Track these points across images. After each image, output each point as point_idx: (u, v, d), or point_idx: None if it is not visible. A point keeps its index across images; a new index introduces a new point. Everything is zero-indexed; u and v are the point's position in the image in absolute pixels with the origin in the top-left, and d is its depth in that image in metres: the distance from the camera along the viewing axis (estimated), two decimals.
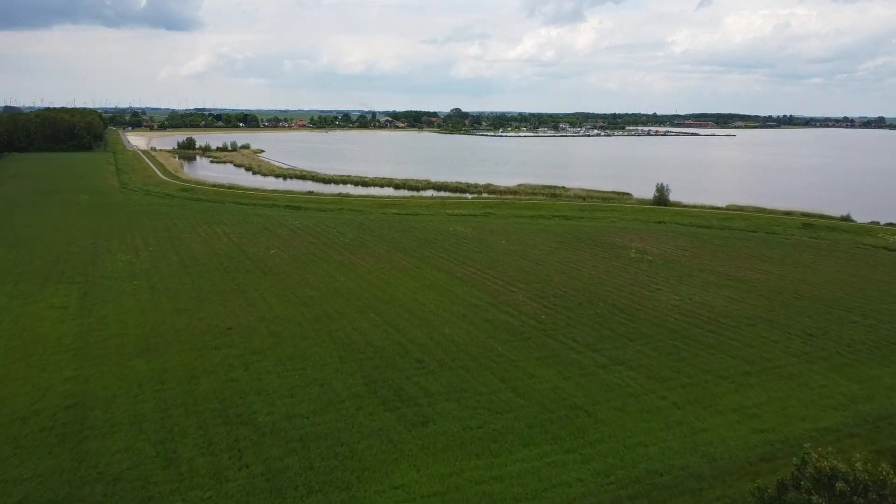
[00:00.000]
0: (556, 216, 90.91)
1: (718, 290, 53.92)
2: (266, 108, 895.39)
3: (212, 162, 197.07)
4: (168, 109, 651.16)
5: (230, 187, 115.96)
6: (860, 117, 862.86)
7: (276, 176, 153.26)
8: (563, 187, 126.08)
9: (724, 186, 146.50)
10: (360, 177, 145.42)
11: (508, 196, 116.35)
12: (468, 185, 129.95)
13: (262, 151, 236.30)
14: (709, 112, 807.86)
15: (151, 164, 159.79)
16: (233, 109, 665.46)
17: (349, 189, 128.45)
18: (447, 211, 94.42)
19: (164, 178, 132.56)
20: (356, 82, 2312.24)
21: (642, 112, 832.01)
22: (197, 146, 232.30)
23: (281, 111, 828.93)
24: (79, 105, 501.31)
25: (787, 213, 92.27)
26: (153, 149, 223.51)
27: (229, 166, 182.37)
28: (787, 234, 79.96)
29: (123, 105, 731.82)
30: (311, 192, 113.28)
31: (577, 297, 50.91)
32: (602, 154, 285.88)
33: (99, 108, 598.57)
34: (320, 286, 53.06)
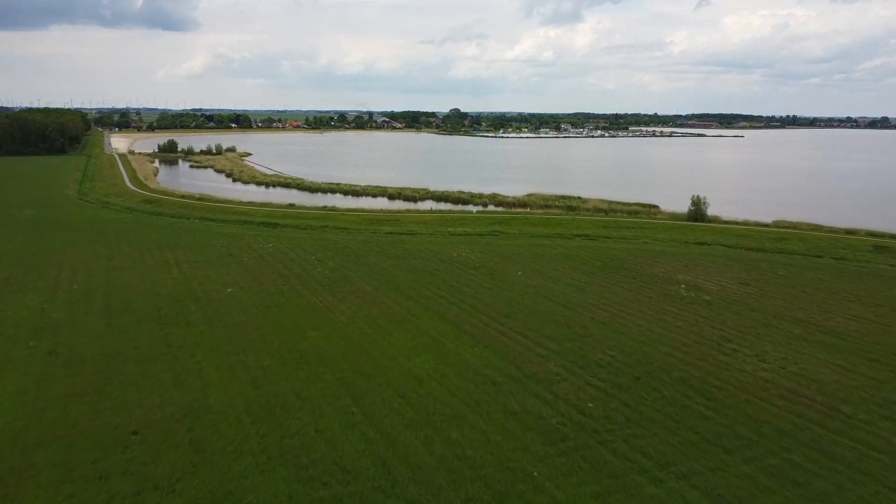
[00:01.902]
0: (578, 235, 77.16)
1: (813, 351, 40.32)
2: (264, 109, 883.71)
3: (192, 167, 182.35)
4: (165, 110, 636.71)
5: (200, 199, 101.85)
6: (862, 117, 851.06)
7: (258, 184, 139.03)
8: (580, 198, 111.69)
9: (757, 196, 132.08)
10: (350, 185, 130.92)
11: (518, 209, 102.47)
12: (471, 196, 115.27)
13: (249, 155, 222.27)
14: (708, 112, 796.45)
15: (123, 171, 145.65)
16: (230, 110, 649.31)
17: (337, 200, 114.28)
18: (448, 228, 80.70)
19: (132, 187, 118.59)
20: (354, 82, 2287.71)
21: (642, 112, 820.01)
22: (179, 149, 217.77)
23: (279, 111, 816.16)
24: (76, 105, 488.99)
25: (850, 232, 78.36)
26: (131, 152, 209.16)
27: (210, 172, 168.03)
28: (859, 261, 66.28)
29: (121, 105, 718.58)
30: (291, 205, 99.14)
31: (629, 367, 37.28)
32: (611, 157, 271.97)
33: (95, 109, 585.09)
34: (281, 347, 39.44)
